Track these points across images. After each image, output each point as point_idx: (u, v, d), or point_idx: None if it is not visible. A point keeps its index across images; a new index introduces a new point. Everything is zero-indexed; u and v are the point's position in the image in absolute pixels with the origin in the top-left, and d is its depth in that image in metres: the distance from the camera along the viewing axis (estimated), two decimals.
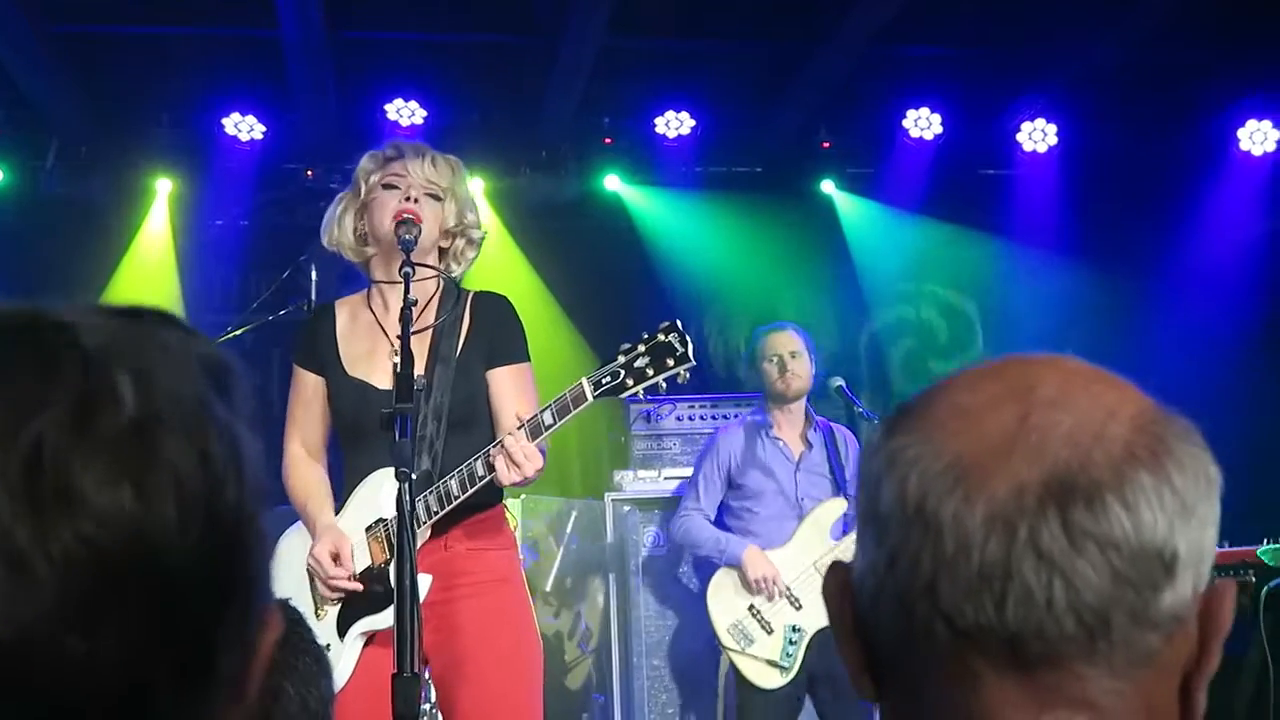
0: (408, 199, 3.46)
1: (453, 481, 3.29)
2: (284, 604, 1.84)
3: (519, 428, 3.24)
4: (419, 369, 3.45)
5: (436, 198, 3.52)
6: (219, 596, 0.75)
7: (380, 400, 3.38)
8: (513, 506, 6.54)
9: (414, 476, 2.94)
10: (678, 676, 6.36)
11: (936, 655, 0.89)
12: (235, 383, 0.81)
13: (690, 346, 3.26)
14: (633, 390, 3.26)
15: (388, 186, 3.52)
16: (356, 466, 3.50)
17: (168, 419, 0.74)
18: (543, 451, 3.33)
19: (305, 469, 3.60)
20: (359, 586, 3.39)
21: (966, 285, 8.70)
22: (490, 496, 3.47)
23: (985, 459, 0.88)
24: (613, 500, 6.64)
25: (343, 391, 3.53)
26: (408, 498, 2.84)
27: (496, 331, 3.56)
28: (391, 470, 3.32)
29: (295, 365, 3.68)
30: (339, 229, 3.62)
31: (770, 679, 5.39)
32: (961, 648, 0.88)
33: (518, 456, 3.20)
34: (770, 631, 5.42)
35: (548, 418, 3.25)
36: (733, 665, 5.48)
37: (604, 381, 3.25)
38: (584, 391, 3.25)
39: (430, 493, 3.31)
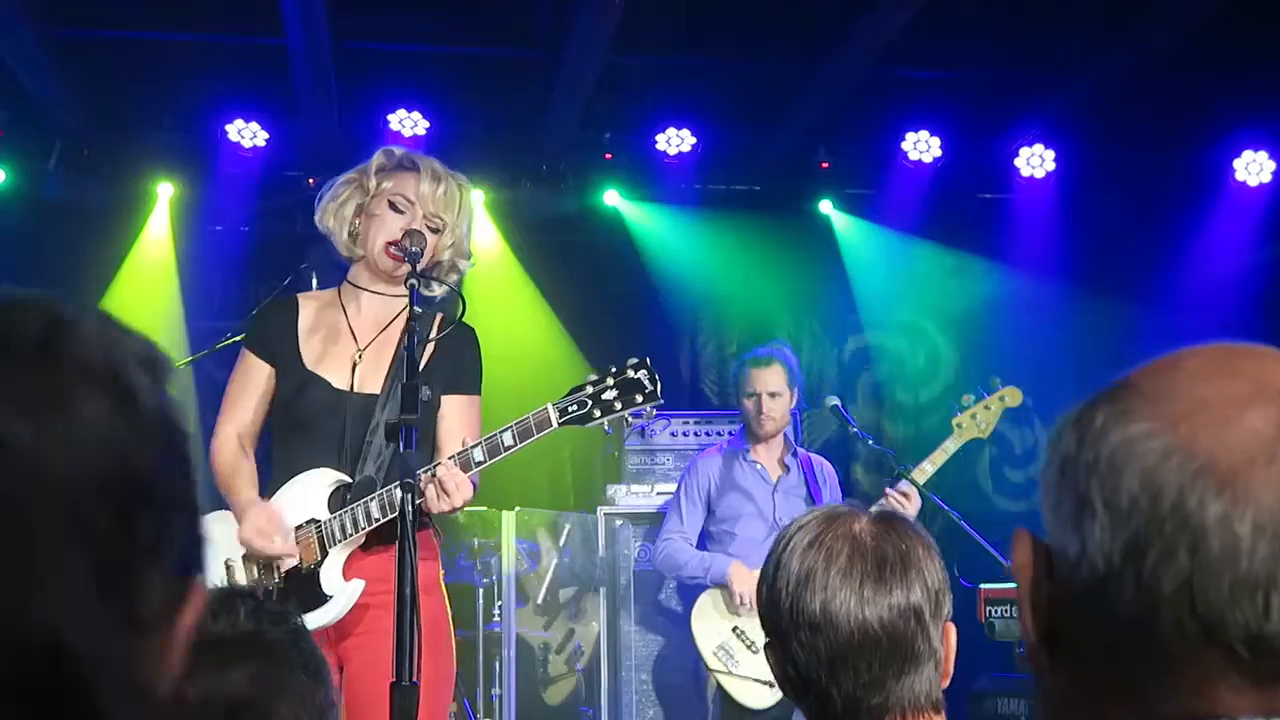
0: (402, 229, 3.49)
1: (397, 491, 3.30)
2: (286, 614, 1.84)
3: (451, 458, 3.28)
4: (379, 381, 3.47)
5: (436, 230, 3.55)
6: (112, 520, 0.77)
7: (331, 397, 3.44)
8: (507, 519, 6.58)
9: (406, 484, 2.95)
10: (665, 692, 6.37)
11: (1174, 648, 0.90)
12: (161, 366, 0.85)
13: (660, 385, 3.32)
14: (598, 421, 3.30)
15: (394, 208, 3.54)
16: (290, 462, 3.49)
17: (70, 352, 0.79)
18: (474, 485, 3.36)
19: (233, 451, 3.56)
20: (294, 551, 3.39)
21: (963, 308, 8.73)
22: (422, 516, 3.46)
23: (1245, 464, 0.89)
24: (605, 514, 6.66)
25: (293, 381, 3.53)
26: (410, 508, 2.85)
27: (459, 361, 3.59)
28: (324, 472, 3.40)
29: (245, 348, 3.66)
30: (336, 219, 3.62)
31: (758, 699, 5.40)
32: (1207, 646, 0.89)
33: (449, 485, 3.23)
34: (756, 651, 5.43)
35: (508, 438, 3.28)
36: (720, 687, 5.49)
37: (570, 409, 3.29)
38: (549, 417, 3.29)
39: (373, 499, 3.33)
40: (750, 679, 5.41)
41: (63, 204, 7.64)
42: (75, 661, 0.75)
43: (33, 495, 0.74)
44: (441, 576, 3.57)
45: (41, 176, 7.59)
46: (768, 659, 1.92)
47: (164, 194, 7.81)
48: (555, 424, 3.28)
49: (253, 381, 3.59)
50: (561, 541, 6.89)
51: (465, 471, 3.28)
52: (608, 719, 6.43)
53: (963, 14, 6.92)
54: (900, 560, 1.84)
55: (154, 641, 0.80)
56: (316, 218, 3.65)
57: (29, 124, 7.46)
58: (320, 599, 3.37)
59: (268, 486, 3.53)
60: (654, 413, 3.36)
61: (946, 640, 1.88)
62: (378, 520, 3.33)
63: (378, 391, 3.48)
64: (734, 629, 5.47)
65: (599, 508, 6.73)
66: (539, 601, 6.74)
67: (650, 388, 3.30)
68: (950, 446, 5.45)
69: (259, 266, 7.83)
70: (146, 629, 0.79)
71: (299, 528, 3.43)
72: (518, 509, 6.69)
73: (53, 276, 7.51)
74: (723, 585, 5.52)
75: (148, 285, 7.78)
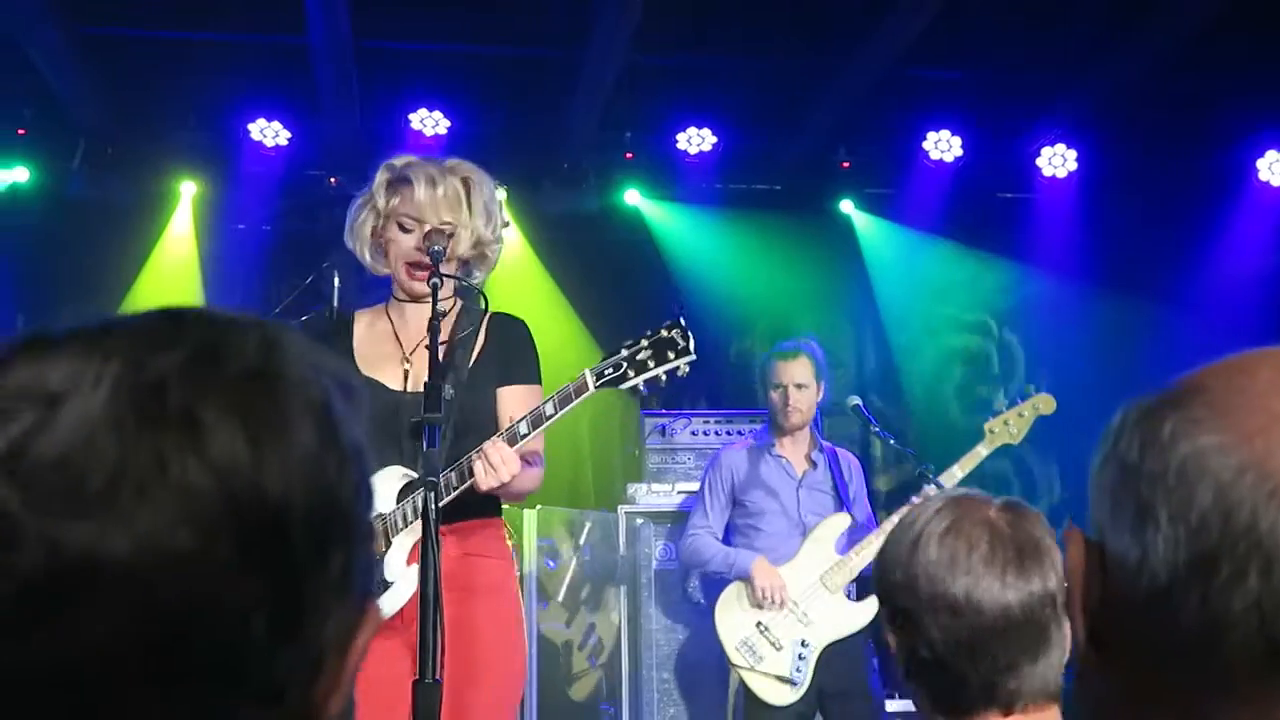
0: (420, 249, 3.52)
1: (451, 475, 3.34)
2: None
3: (498, 436, 3.32)
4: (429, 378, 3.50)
5: (450, 235, 3.57)
6: (313, 549, 0.79)
7: (389, 399, 3.47)
8: (528, 517, 6.59)
9: (439, 483, 2.99)
10: (686, 689, 6.38)
11: (1238, 666, 0.89)
12: (357, 395, 0.87)
13: (692, 341, 3.35)
14: (633, 381, 3.33)
15: (402, 228, 3.57)
16: None
17: (288, 376, 0.81)
18: (533, 462, 3.42)
19: None
20: None
21: (983, 308, 8.71)
22: (489, 508, 3.53)
23: None
24: (625, 512, 6.67)
25: None
26: (433, 506, 2.88)
27: (511, 352, 3.64)
28: (394, 469, 3.42)
29: None
30: (358, 241, 3.67)
31: (781, 695, 5.40)
32: (1272, 667, 0.88)
33: (495, 460, 3.26)
34: (779, 648, 5.42)
35: (549, 408, 3.32)
36: (742, 682, 5.49)
37: (606, 373, 3.33)
38: (586, 382, 3.32)
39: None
40: (773, 676, 5.41)
41: (86, 202, 7.68)
42: (262, 688, 0.78)
43: (248, 519, 0.75)
44: (516, 576, 3.63)
45: (65, 175, 7.63)
46: (888, 640, 1.96)
47: (187, 192, 7.85)
48: (592, 388, 3.32)
49: None
50: (582, 540, 6.90)
51: (511, 445, 3.31)
52: (628, 717, 6.44)
53: (983, 14, 6.92)
54: (1035, 548, 1.92)
55: (333, 665, 0.82)
56: (347, 243, 3.73)
57: (53, 122, 7.51)
58: (384, 586, 3.42)
59: None
60: (687, 369, 3.37)
61: (1065, 629, 1.94)
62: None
63: (448, 398, 3.51)
64: (758, 624, 5.46)
65: (619, 506, 6.74)
66: (559, 598, 6.75)
67: (683, 344, 3.33)
68: (981, 451, 5.45)
69: (281, 265, 7.86)
70: (328, 654, 0.82)
71: None
72: (539, 507, 6.70)
73: (76, 274, 7.57)
74: (746, 580, 5.52)
75: (170, 283, 7.81)
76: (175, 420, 0.75)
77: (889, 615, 1.96)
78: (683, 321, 3.37)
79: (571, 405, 3.32)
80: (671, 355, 3.33)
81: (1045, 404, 5.48)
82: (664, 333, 3.35)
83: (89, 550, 0.72)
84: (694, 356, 3.34)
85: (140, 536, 0.73)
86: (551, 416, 3.31)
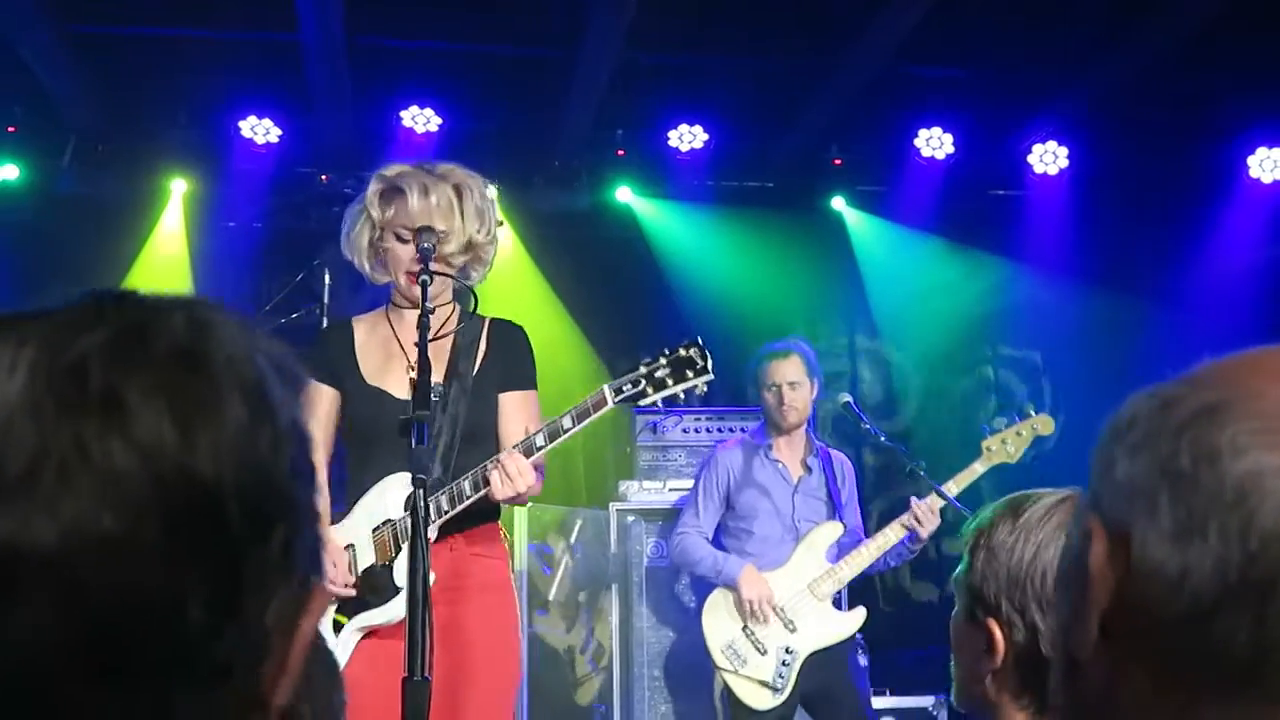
0: (418, 260, 3.53)
1: (465, 483, 3.36)
2: None
3: (514, 447, 3.38)
4: (437, 381, 3.53)
5: (440, 235, 3.59)
6: (249, 527, 0.77)
7: (396, 408, 3.51)
8: (519, 515, 6.58)
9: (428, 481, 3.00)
10: (678, 687, 6.38)
11: (1274, 689, 0.86)
12: (295, 373, 0.85)
13: (710, 360, 3.44)
14: (651, 399, 3.41)
15: (399, 239, 3.59)
16: (363, 475, 3.57)
17: (217, 355, 0.78)
18: (539, 469, 3.47)
19: None
20: (353, 593, 3.48)
21: (975, 305, 8.71)
22: (489, 510, 3.58)
23: None
24: (617, 510, 6.67)
25: (360, 398, 3.61)
26: (423, 503, 2.88)
27: (512, 359, 3.69)
28: (401, 475, 3.43)
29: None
30: (356, 252, 3.71)
31: (762, 700, 5.39)
32: None
33: (511, 470, 3.32)
34: (764, 653, 5.41)
35: (567, 421, 3.38)
36: (726, 685, 5.48)
37: (625, 389, 3.39)
38: (605, 397, 3.39)
39: (442, 493, 3.40)
40: (755, 680, 5.40)
41: (77, 199, 7.67)
42: (207, 671, 0.76)
43: (177, 501, 0.73)
44: (511, 575, 3.67)
45: (56, 172, 7.62)
46: (990, 629, 1.93)
47: (177, 190, 7.84)
48: (611, 403, 3.39)
49: (316, 406, 3.64)
50: (573, 538, 6.89)
51: (528, 456, 3.36)
52: (620, 715, 6.44)
53: (975, 12, 6.91)
54: None
55: (278, 647, 0.81)
56: (344, 252, 3.75)
57: (44, 120, 7.49)
58: (393, 592, 3.44)
59: (346, 500, 3.61)
60: (705, 389, 3.45)
61: None
62: (447, 513, 3.40)
63: (436, 398, 3.54)
64: (744, 628, 5.45)
65: (611, 504, 6.73)
66: (552, 599, 6.74)
67: (701, 363, 3.41)
68: (978, 468, 5.43)
69: (272, 262, 7.84)
70: (273, 636, 0.80)
71: (375, 529, 3.51)
72: (530, 505, 6.70)
73: (67, 272, 7.54)
74: (733, 587, 5.50)
75: (161, 281, 7.79)
76: (96, 403, 0.73)
77: (1008, 610, 1.92)
78: (700, 341, 3.45)
79: (589, 420, 3.38)
80: (690, 374, 3.41)
81: (1044, 425, 5.46)
82: (682, 351, 3.43)
83: (11, 540, 0.70)
84: (712, 376, 3.45)
85: (65, 523, 0.71)
86: (569, 430, 3.38)
